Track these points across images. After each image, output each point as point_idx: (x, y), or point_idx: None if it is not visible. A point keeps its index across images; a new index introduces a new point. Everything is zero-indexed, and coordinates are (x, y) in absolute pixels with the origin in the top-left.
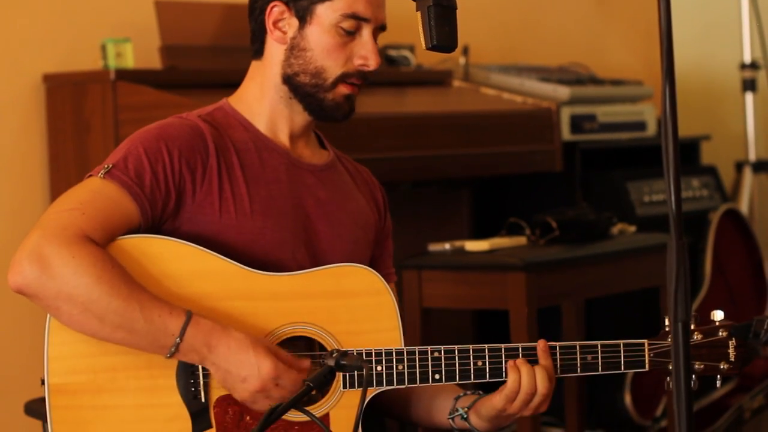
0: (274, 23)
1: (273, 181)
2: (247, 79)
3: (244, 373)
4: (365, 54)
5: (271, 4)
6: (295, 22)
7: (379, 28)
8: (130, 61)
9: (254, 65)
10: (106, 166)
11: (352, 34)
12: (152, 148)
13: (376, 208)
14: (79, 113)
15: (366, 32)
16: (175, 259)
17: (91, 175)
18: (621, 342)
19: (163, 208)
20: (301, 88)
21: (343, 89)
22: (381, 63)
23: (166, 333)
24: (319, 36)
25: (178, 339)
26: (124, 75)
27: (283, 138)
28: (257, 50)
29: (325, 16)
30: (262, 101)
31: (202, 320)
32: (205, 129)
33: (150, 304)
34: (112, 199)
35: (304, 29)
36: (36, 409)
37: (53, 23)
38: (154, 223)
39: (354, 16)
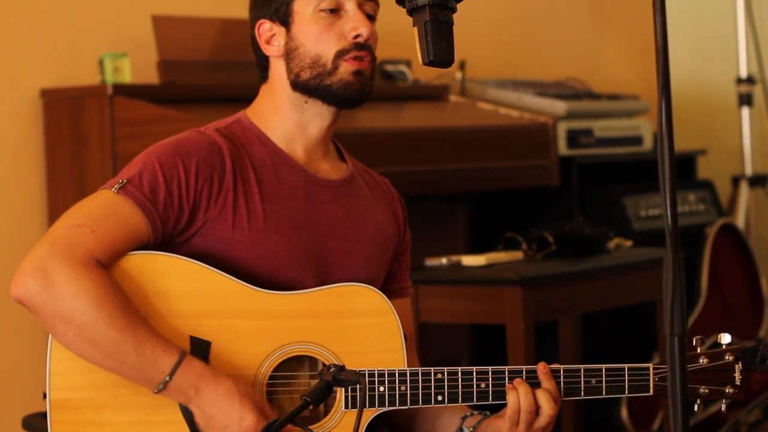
0: (267, 41)
1: (289, 198)
2: (260, 98)
3: (225, 421)
4: (354, 25)
5: (257, 24)
6: (282, 30)
7: (367, 0)
8: (127, 76)
9: (264, 87)
10: (120, 180)
11: (336, 13)
12: (168, 163)
13: (395, 222)
14: (77, 128)
15: (350, 6)
16: (179, 277)
17: (104, 188)
18: (626, 366)
19: (174, 225)
20: (307, 85)
21: (347, 66)
22: (374, 32)
23: (156, 369)
24: (305, 29)
25: (167, 377)
26: (121, 90)
27: (300, 151)
28: (263, 75)
29: (302, 8)
30: (276, 116)
31: (195, 362)
32: (222, 144)
33: (144, 339)
34: (123, 217)
35: (291, 31)
36: (34, 423)
37: (51, 38)
38: (165, 239)
39: None
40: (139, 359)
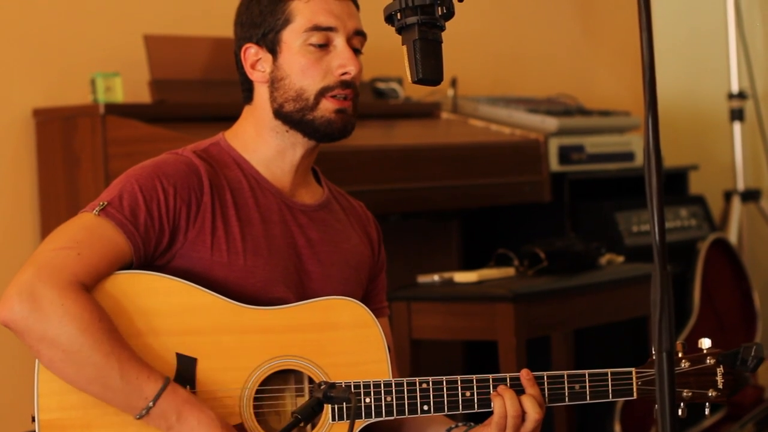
0: (252, 66)
1: (266, 221)
2: (242, 119)
3: None
4: (342, 62)
5: (244, 48)
6: (268, 57)
7: (356, 35)
8: (119, 95)
9: (246, 109)
10: (101, 203)
11: (324, 48)
12: (147, 185)
13: (369, 244)
14: (69, 147)
15: (339, 41)
16: (163, 294)
17: (85, 211)
18: (609, 371)
19: (156, 246)
20: (290, 117)
21: (329, 105)
22: (361, 69)
23: (140, 395)
24: (292, 60)
25: (150, 403)
26: (113, 109)
27: (278, 175)
28: (247, 96)
29: (291, 39)
30: (257, 140)
31: (179, 389)
32: (200, 166)
33: (129, 365)
34: (106, 238)
35: (278, 60)
36: None
37: (43, 58)
38: (147, 260)
39: (317, 28)
40: (123, 384)
